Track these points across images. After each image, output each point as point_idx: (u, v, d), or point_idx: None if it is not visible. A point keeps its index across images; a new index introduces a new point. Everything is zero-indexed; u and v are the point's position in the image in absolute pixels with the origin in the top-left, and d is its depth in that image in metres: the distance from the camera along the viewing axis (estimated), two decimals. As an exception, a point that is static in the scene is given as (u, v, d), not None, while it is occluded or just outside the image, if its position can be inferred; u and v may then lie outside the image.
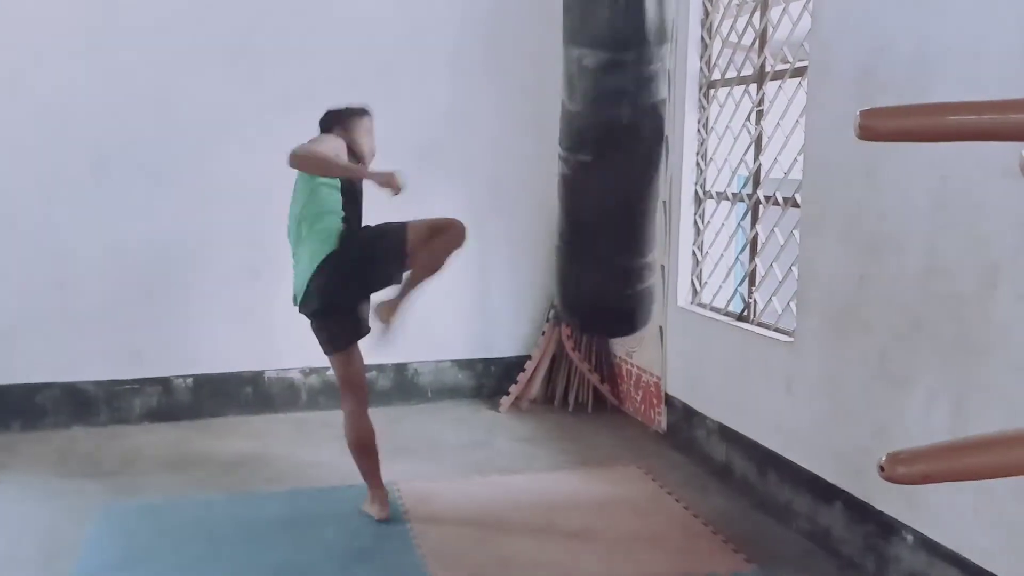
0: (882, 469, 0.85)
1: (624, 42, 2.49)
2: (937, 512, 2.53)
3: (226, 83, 4.32)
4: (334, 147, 3.03)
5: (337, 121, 3.24)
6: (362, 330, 3.21)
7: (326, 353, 3.21)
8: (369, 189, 3.14)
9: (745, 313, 3.63)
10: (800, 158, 3.18)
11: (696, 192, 4.00)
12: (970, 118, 0.84)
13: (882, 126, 0.85)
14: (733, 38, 3.74)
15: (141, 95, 4.23)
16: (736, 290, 3.74)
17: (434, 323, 4.78)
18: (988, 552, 2.37)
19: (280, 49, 4.38)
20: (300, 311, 3.18)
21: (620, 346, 4.56)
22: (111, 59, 4.20)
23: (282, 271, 4.57)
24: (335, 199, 3.12)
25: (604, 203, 2.71)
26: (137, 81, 4.21)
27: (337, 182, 3.09)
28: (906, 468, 0.85)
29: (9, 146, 4.14)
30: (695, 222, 4.01)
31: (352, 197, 3.18)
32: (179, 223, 4.38)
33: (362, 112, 3.29)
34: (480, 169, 4.70)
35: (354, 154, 3.18)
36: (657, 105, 2.63)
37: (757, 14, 3.51)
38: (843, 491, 2.92)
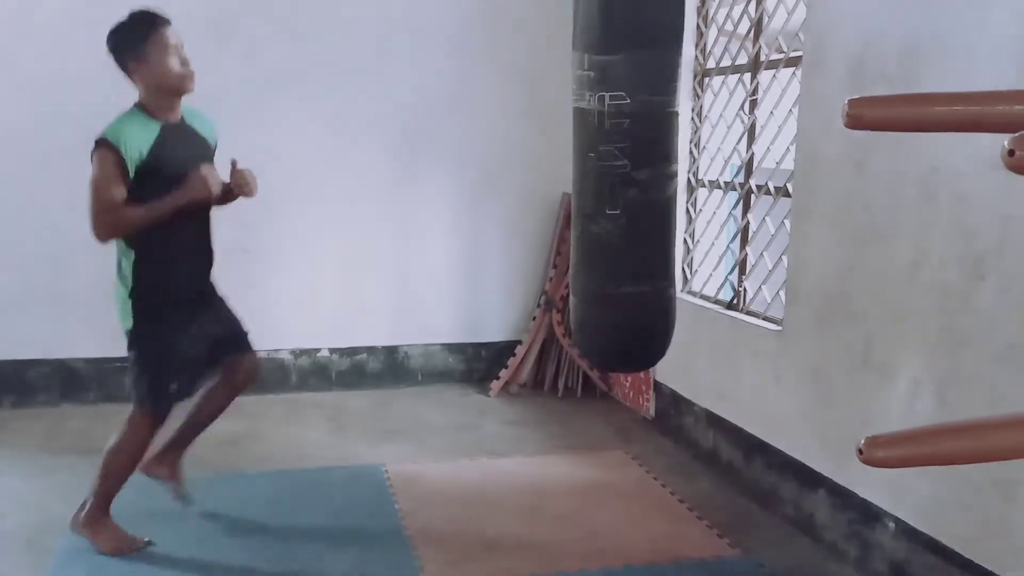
0: (860, 452, 0.87)
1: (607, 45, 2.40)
2: (919, 500, 2.57)
3: (219, 61, 4.29)
4: (111, 180, 2.57)
5: (129, 52, 2.66)
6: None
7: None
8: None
9: (735, 301, 3.65)
10: (792, 148, 3.19)
11: (689, 180, 4.01)
12: (955, 109, 0.85)
13: (869, 115, 0.86)
14: (728, 27, 3.74)
15: (134, 72, 4.20)
16: (726, 278, 3.76)
17: (425, 307, 4.80)
18: (968, 540, 2.41)
19: (272, 28, 4.35)
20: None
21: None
22: (101, 35, 4.15)
23: (272, 251, 4.58)
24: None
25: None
26: (130, 58, 4.19)
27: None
28: (884, 452, 0.87)
29: (0, 123, 4.11)
30: (687, 210, 4.02)
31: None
32: (171, 202, 4.36)
33: (151, 24, 2.65)
34: (473, 154, 4.69)
35: (163, 88, 2.66)
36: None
37: (753, 3, 3.51)
38: (827, 478, 2.95)
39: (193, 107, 2.85)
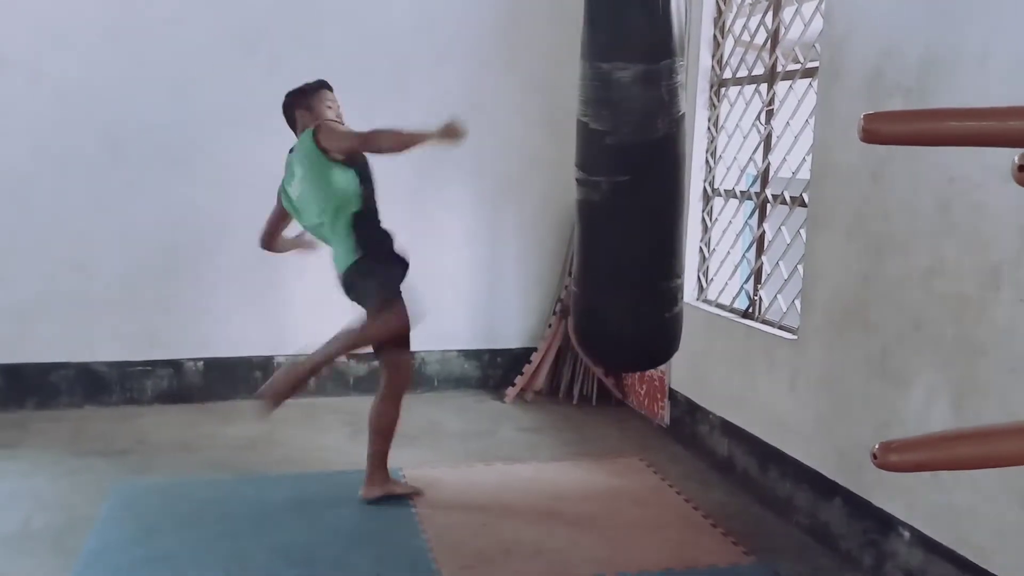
0: (875, 457, 0.89)
1: (659, 52, 2.42)
2: (935, 510, 2.57)
3: (243, 70, 4.37)
4: (346, 130, 3.17)
5: (300, 103, 3.27)
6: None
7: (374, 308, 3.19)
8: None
9: (750, 310, 3.67)
10: (808, 158, 3.21)
11: (705, 189, 4.03)
12: (970, 124, 0.87)
13: (884, 130, 0.89)
14: (745, 37, 3.77)
15: (159, 80, 4.28)
16: (742, 287, 3.78)
17: (442, 314, 4.83)
18: (983, 549, 2.41)
19: (296, 39, 4.42)
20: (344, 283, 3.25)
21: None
22: (130, 44, 4.26)
23: (294, 259, 4.64)
24: (350, 181, 3.16)
25: (644, 223, 2.58)
26: (155, 66, 4.27)
27: (345, 165, 3.15)
28: (898, 456, 0.89)
29: (29, 130, 4.20)
30: (703, 219, 4.04)
31: (366, 177, 3.23)
32: (194, 208, 4.44)
33: (320, 86, 3.31)
34: (491, 162, 4.74)
35: None
36: (683, 117, 2.57)
37: (770, 14, 3.54)
38: (843, 487, 2.96)
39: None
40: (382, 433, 3.27)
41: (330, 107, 3.25)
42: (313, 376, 3.29)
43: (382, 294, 3.18)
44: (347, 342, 3.20)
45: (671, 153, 2.57)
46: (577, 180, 2.64)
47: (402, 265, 3.25)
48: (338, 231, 3.18)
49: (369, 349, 3.37)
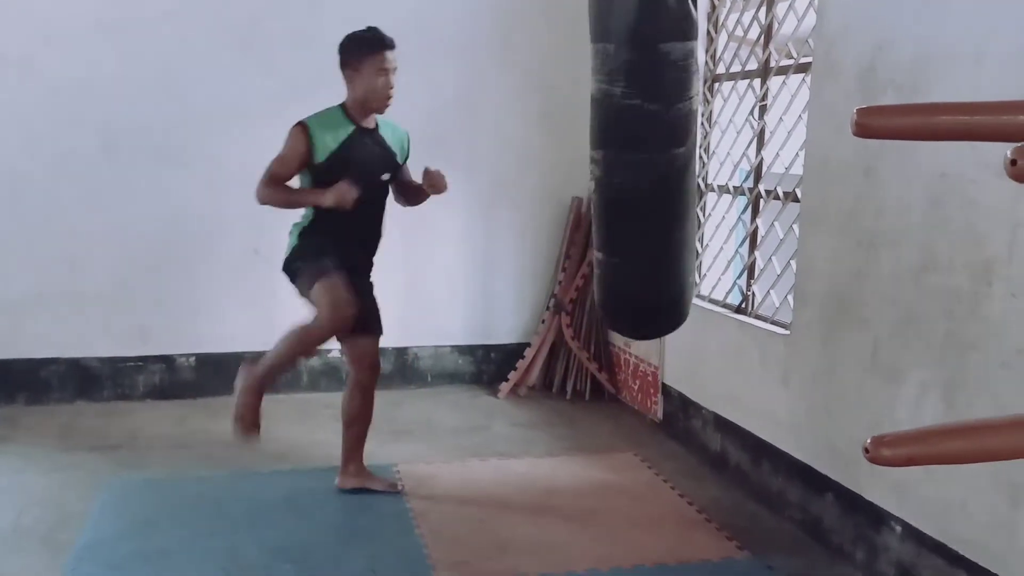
0: (867, 451, 0.89)
1: (693, 32, 2.55)
2: (925, 504, 2.58)
3: (237, 67, 4.35)
4: (288, 161, 3.03)
5: (350, 58, 3.09)
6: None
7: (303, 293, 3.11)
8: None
9: (743, 305, 3.68)
10: (801, 154, 3.22)
11: (698, 184, 4.03)
12: (962, 119, 0.88)
13: (877, 124, 0.89)
14: (739, 32, 3.77)
15: (152, 77, 4.26)
16: (735, 282, 3.78)
17: (436, 309, 4.83)
18: (974, 543, 2.43)
19: (291, 35, 4.40)
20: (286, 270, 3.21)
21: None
22: (123, 40, 4.24)
23: (283, 253, 4.62)
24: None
25: (680, 188, 2.73)
26: (148, 63, 4.25)
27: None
28: (890, 450, 0.90)
29: (20, 126, 4.18)
30: (696, 214, 4.04)
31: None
32: (187, 204, 4.42)
33: (374, 46, 3.05)
34: (484, 158, 4.73)
35: (355, 107, 3.09)
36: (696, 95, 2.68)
37: (763, 9, 3.54)
38: (835, 482, 2.97)
39: (388, 119, 3.23)
40: (351, 425, 3.28)
41: (381, 73, 3.02)
42: (271, 383, 3.09)
43: (310, 272, 3.04)
44: (296, 344, 3.03)
45: (693, 125, 2.70)
46: (596, 159, 2.68)
47: (344, 256, 3.09)
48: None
49: (332, 344, 3.24)
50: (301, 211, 3.18)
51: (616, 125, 2.62)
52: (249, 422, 3.00)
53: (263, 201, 3.06)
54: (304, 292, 3.11)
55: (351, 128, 3.10)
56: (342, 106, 3.13)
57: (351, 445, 3.32)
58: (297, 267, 3.14)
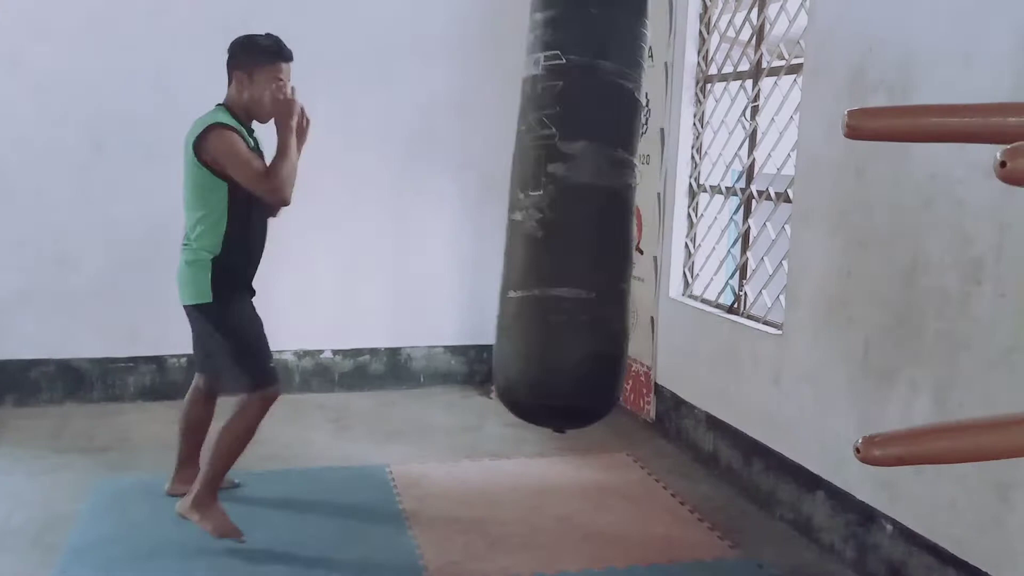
0: (858, 451, 0.90)
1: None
2: (916, 502, 2.60)
3: (224, 63, 4.33)
4: (251, 155, 2.82)
5: (245, 61, 2.88)
6: None
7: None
8: None
9: (735, 305, 3.69)
10: (793, 154, 3.23)
11: (690, 185, 4.04)
12: (953, 120, 0.88)
13: (868, 126, 0.89)
14: (731, 34, 3.78)
15: (140, 73, 4.24)
16: (727, 283, 3.79)
17: (428, 310, 4.83)
18: (964, 541, 2.44)
19: (280, 31, 4.36)
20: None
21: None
22: (112, 35, 4.22)
23: (275, 253, 4.61)
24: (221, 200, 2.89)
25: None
26: (136, 59, 4.23)
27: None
28: (881, 450, 0.90)
29: (8, 123, 4.15)
30: (688, 215, 4.05)
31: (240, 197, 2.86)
32: (176, 202, 4.37)
33: (272, 57, 2.86)
34: (475, 158, 4.73)
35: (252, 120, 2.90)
36: None
37: (755, 10, 3.55)
38: (826, 481, 2.98)
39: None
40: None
41: (276, 84, 2.84)
42: (218, 487, 2.92)
43: (253, 369, 2.89)
44: (243, 437, 2.87)
45: None
46: (624, 163, 2.37)
47: (251, 276, 3.01)
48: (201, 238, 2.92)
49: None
50: (203, 233, 2.96)
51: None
52: (229, 529, 2.89)
53: (287, 189, 2.79)
54: (238, 379, 2.91)
55: (244, 130, 2.90)
56: (227, 109, 2.90)
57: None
58: (234, 344, 2.91)
